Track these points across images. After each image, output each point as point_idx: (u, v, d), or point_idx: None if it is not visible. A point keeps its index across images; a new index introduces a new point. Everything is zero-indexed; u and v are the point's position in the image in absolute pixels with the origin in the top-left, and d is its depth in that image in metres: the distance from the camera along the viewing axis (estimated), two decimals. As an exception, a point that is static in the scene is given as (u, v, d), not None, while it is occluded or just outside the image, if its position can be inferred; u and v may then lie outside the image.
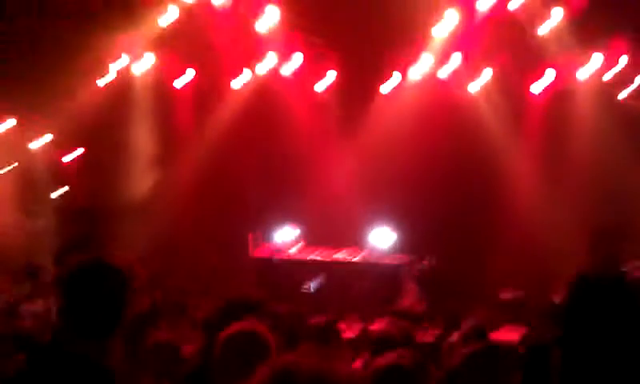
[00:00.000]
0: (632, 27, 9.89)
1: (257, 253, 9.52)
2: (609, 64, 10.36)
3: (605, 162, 10.09)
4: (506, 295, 5.56)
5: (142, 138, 11.02)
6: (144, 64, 10.77)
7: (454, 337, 5.20)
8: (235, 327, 2.58)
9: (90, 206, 10.07)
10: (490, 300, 8.32)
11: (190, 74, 10.96)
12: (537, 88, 10.73)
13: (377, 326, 4.42)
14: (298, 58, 10.82)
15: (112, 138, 10.77)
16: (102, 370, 2.13)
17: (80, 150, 10.99)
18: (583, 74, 10.44)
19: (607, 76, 10.38)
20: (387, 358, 3.10)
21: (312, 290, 5.52)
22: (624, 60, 10.24)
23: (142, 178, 10.79)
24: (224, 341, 2.52)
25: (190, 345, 4.38)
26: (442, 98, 10.70)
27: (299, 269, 8.85)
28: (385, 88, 10.96)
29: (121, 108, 10.94)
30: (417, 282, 9.20)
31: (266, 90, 11.03)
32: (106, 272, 2.26)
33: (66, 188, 10.93)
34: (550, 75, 10.56)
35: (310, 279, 5.57)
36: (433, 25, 10.28)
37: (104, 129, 10.61)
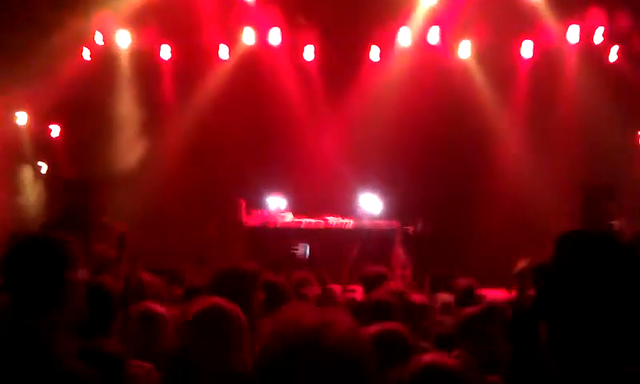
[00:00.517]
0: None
1: (248, 221, 9.52)
2: (594, 28, 10.42)
3: (592, 124, 10.17)
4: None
5: (128, 110, 10.94)
6: (124, 38, 10.66)
7: (442, 298, 5.26)
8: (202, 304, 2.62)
9: (78, 179, 9.99)
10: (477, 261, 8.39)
11: (171, 46, 10.89)
12: (526, 50, 10.76)
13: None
14: (280, 30, 10.76)
15: (97, 111, 10.68)
16: (40, 348, 2.12)
17: (64, 124, 10.91)
18: (572, 35, 10.48)
19: (597, 38, 10.43)
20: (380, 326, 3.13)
21: (303, 252, 5.53)
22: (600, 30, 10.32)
23: (129, 150, 10.73)
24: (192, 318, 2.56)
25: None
26: (430, 64, 10.69)
27: (291, 235, 8.87)
28: (374, 54, 10.93)
29: (104, 82, 10.84)
30: (405, 247, 9.28)
31: (252, 60, 10.96)
32: (42, 249, 2.27)
33: (53, 161, 10.85)
34: (538, 37, 10.60)
35: (301, 243, 5.57)
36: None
37: (87, 102, 10.52)
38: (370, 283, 5.11)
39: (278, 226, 9.48)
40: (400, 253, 8.84)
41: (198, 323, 2.57)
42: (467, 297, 5.11)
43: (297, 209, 10.01)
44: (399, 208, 9.97)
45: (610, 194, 6.74)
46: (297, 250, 5.59)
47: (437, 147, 10.61)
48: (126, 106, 10.96)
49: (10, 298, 2.23)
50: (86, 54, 10.68)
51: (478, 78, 10.88)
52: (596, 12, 10.22)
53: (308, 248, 5.54)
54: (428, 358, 2.43)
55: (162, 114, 11.18)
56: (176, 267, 6.74)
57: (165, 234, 10.18)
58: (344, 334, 1.40)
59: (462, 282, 5.51)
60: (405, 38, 10.74)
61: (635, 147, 10.81)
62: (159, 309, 3.47)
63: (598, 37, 10.42)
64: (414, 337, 3.32)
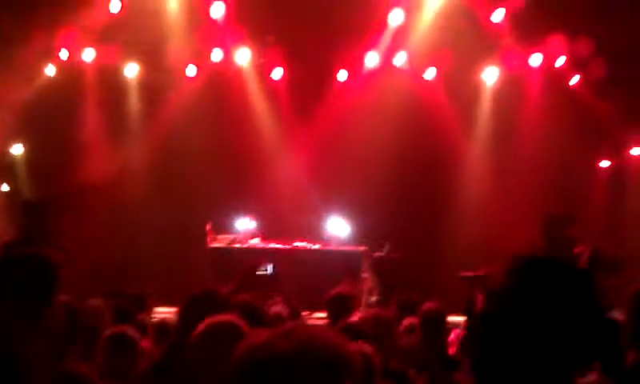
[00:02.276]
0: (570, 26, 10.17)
1: (214, 243, 9.42)
2: (556, 55, 10.66)
3: (554, 149, 10.37)
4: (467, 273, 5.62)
5: (92, 129, 10.75)
6: (90, 55, 10.53)
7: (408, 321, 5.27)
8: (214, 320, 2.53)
9: (38, 199, 9.76)
10: (444, 286, 8.43)
11: (137, 64, 10.79)
12: (489, 76, 10.95)
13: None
14: (248, 50, 10.75)
15: (60, 129, 10.47)
16: None
17: (27, 142, 10.68)
18: (535, 60, 10.70)
19: (558, 63, 10.66)
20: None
21: (269, 272, 5.48)
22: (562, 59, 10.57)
23: (93, 169, 10.51)
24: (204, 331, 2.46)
25: (146, 339, 4.29)
26: (397, 87, 10.79)
27: (258, 258, 8.80)
28: (341, 76, 11.00)
29: (68, 99, 10.65)
30: (372, 271, 9.28)
31: (220, 79, 10.91)
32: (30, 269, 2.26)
33: (15, 182, 10.60)
34: (501, 62, 10.79)
35: (267, 263, 5.53)
36: (388, 13, 10.37)
37: (51, 120, 10.31)
38: (336, 307, 5.05)
39: (244, 247, 9.40)
40: (367, 278, 8.84)
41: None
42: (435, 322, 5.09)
43: (265, 232, 9.95)
44: (367, 232, 9.98)
45: (571, 221, 6.85)
46: (263, 270, 5.53)
47: (404, 170, 10.67)
48: (91, 125, 10.78)
49: None
50: (51, 70, 10.52)
51: (444, 102, 11.01)
52: (557, 39, 10.46)
53: (272, 268, 5.49)
54: None
55: (127, 132, 11.03)
56: (140, 291, 6.63)
57: (129, 256, 10.00)
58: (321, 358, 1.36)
59: (428, 305, 5.49)
60: (372, 60, 10.83)
61: (596, 173, 11.05)
62: (131, 332, 3.44)
63: (560, 62, 10.67)
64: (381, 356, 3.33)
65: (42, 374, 2.15)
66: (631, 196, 10.75)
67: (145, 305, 6.06)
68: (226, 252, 9.19)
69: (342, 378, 1.36)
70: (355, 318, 4.38)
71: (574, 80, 10.78)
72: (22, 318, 2.20)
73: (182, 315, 2.93)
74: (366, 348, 3.19)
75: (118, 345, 3.27)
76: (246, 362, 1.37)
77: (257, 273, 5.62)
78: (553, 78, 10.79)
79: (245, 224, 9.89)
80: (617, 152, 11.04)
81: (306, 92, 10.88)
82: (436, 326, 4.91)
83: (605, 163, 11.26)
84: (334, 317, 4.92)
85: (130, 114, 11.06)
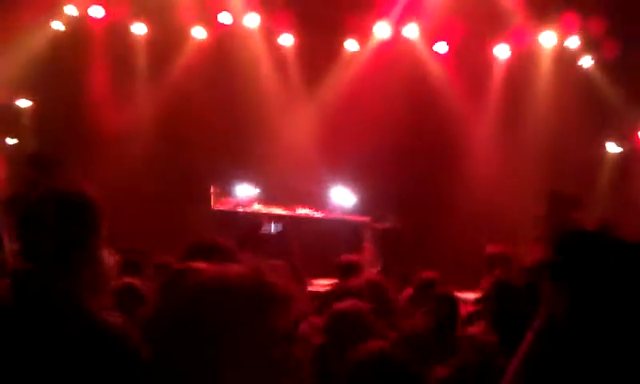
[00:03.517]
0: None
1: (218, 206, 9.43)
2: (568, 33, 10.54)
3: (561, 130, 10.31)
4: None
5: (99, 85, 10.68)
6: (98, 12, 10.43)
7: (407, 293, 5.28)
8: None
9: (44, 153, 9.73)
10: (445, 260, 8.45)
11: (145, 23, 10.70)
12: (501, 52, 10.86)
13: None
14: (256, 15, 10.64)
15: (67, 84, 10.41)
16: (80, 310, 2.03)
17: (33, 97, 10.62)
18: (547, 39, 10.59)
19: (571, 43, 10.55)
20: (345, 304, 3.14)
21: (271, 229, 5.49)
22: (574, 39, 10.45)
23: (97, 127, 10.46)
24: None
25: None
26: (406, 58, 10.70)
27: (261, 221, 8.80)
28: (351, 44, 10.90)
29: (75, 55, 10.58)
30: (375, 242, 9.29)
31: (228, 42, 10.81)
32: (61, 200, 2.13)
33: (21, 136, 10.57)
34: (513, 39, 10.69)
35: (271, 224, 5.53)
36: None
37: (57, 75, 10.24)
38: (344, 272, 5.08)
39: (248, 211, 9.41)
40: (369, 248, 8.86)
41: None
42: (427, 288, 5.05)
43: (267, 198, 9.94)
44: (371, 203, 9.98)
45: (576, 202, 6.81)
46: (267, 228, 5.52)
47: (410, 143, 10.64)
48: (98, 81, 10.71)
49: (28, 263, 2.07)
50: (58, 25, 10.42)
51: (454, 76, 10.93)
52: (571, 17, 10.34)
53: (277, 226, 5.48)
54: (382, 344, 2.40)
55: (134, 91, 10.96)
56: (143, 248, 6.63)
57: (132, 215, 10.00)
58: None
59: (425, 274, 5.45)
60: (382, 30, 10.73)
61: (602, 157, 11.00)
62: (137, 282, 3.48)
63: (573, 42, 10.56)
64: (381, 326, 3.33)
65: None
66: (637, 181, 10.72)
67: (146, 262, 6.06)
68: (230, 215, 9.20)
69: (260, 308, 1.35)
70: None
71: (585, 61, 10.69)
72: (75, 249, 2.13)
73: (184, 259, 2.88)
74: (360, 304, 3.21)
75: (126, 296, 3.29)
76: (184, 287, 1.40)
77: (261, 232, 5.61)
78: (564, 57, 10.70)
79: (248, 190, 9.89)
80: (625, 136, 10.99)
81: (315, 59, 10.79)
82: (426, 293, 4.87)
83: (612, 147, 11.21)
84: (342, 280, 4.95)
85: (137, 73, 10.98)
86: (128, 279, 3.53)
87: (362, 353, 2.36)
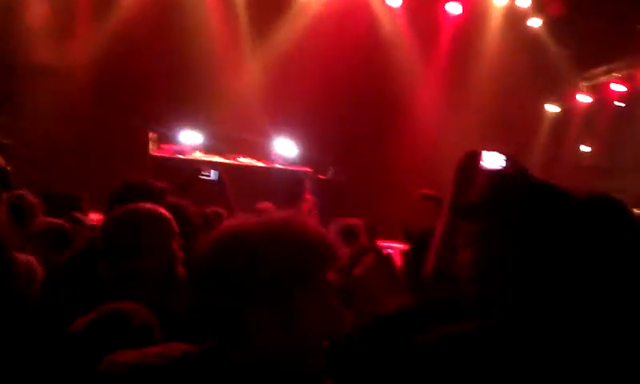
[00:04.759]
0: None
1: (157, 151, 9.19)
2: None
3: (506, 87, 10.47)
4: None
5: (37, 18, 10.09)
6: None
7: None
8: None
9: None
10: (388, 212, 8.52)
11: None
12: (452, 7, 10.86)
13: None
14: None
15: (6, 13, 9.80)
16: None
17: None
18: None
19: (521, 1, 10.62)
20: None
21: (211, 176, 5.35)
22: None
23: (33, 57, 9.89)
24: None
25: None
26: (357, 11, 10.58)
27: (200, 168, 8.62)
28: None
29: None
30: (315, 193, 9.28)
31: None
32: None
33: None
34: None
35: (211, 169, 5.39)
36: None
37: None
38: None
39: (187, 158, 9.22)
40: (309, 198, 8.84)
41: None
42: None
43: (209, 147, 9.77)
44: (313, 155, 9.94)
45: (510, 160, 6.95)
46: (206, 174, 5.38)
47: (356, 96, 10.60)
48: (37, 13, 10.11)
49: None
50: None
51: (404, 31, 10.88)
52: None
53: (217, 173, 5.34)
54: None
55: (74, 27, 10.44)
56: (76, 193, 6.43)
57: (66, 157, 9.67)
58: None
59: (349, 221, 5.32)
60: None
61: (542, 115, 11.25)
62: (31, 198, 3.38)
63: (524, 1, 10.62)
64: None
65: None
66: (572, 142, 11.03)
67: (80, 206, 5.87)
68: (169, 161, 8.99)
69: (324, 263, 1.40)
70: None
71: (534, 21, 10.80)
72: None
73: (111, 200, 2.77)
74: None
75: (49, 235, 3.18)
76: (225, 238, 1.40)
77: (199, 177, 5.46)
78: (513, 16, 10.78)
79: (189, 137, 9.68)
80: (564, 97, 11.24)
81: (264, 9, 10.55)
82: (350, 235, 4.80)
83: (552, 107, 11.46)
84: None
85: (80, 8, 10.45)
86: (56, 221, 3.41)
87: None
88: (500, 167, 2.51)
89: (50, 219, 3.78)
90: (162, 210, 2.28)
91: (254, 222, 1.41)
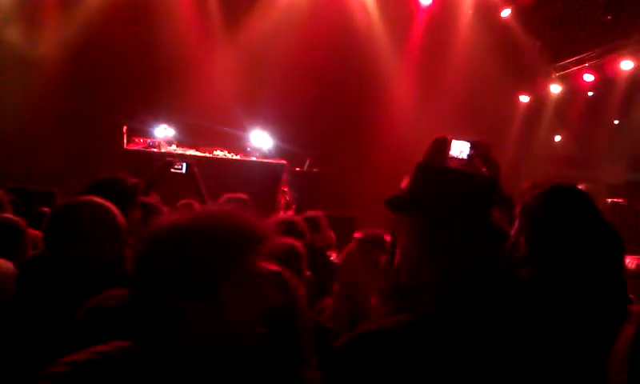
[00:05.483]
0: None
1: (131, 145, 9.08)
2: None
3: (478, 78, 10.54)
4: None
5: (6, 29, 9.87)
6: None
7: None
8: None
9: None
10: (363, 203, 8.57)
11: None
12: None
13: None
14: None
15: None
16: None
17: None
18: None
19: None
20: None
21: (183, 170, 5.29)
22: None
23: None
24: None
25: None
26: (330, 1, 10.55)
27: (173, 161, 8.54)
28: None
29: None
30: (292, 185, 9.27)
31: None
32: None
33: None
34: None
35: (182, 162, 5.33)
36: None
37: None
38: None
39: (161, 152, 9.13)
40: (286, 191, 8.83)
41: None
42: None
43: (183, 140, 9.70)
44: (289, 147, 9.92)
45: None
46: (177, 167, 5.31)
47: (330, 87, 10.59)
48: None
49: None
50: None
51: (376, 19, 10.90)
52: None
53: (186, 166, 5.28)
54: None
55: (45, 17, 10.24)
56: (48, 188, 6.34)
57: (37, 151, 9.51)
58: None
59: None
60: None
61: (514, 105, 11.36)
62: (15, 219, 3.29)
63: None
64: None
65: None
66: (544, 131, 11.15)
67: (52, 202, 5.79)
68: (143, 155, 8.89)
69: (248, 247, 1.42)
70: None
71: (505, 12, 10.89)
72: None
73: (84, 195, 2.72)
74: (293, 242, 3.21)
75: (4, 231, 3.12)
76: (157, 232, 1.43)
77: (171, 170, 5.39)
78: (485, 7, 10.85)
79: (162, 131, 9.59)
80: (535, 87, 11.36)
81: (236, 0, 10.48)
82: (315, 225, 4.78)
83: (523, 97, 11.58)
84: None
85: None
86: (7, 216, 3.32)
87: None
88: (466, 155, 2.54)
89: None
90: (108, 205, 2.29)
91: (177, 218, 1.44)
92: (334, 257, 4.84)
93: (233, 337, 1.39)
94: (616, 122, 11.52)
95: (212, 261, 1.38)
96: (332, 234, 5.53)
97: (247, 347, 1.41)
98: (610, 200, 10.06)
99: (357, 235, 4.63)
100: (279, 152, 9.80)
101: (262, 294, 1.44)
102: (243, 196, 4.83)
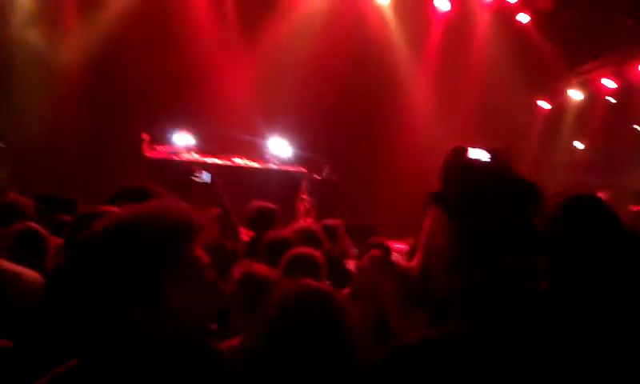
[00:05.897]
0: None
1: (151, 153, 9.16)
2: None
3: (496, 83, 10.49)
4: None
5: (23, 26, 10.04)
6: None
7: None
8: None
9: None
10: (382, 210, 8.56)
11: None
12: (441, 3, 10.89)
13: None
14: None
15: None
16: None
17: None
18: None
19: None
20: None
21: (204, 178, 5.32)
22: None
23: (26, 63, 9.81)
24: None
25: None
26: (347, 8, 10.57)
27: (193, 170, 8.60)
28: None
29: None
30: (311, 193, 9.28)
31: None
32: None
33: None
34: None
35: (203, 171, 5.36)
36: None
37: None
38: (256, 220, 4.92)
39: (183, 160, 9.20)
40: (305, 199, 8.85)
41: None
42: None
43: (203, 148, 9.76)
44: (307, 154, 9.94)
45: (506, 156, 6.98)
46: (198, 176, 5.34)
47: (349, 94, 10.60)
48: (23, 21, 10.05)
49: None
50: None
51: (394, 26, 10.90)
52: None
53: (210, 176, 5.30)
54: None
55: (66, 26, 10.37)
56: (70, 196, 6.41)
57: (59, 159, 9.62)
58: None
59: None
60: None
61: (534, 112, 11.27)
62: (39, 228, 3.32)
63: (512, -1, 10.67)
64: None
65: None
66: (565, 138, 11.05)
67: (74, 208, 5.85)
68: (163, 162, 8.97)
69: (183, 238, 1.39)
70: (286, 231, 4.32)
71: (523, 18, 10.84)
72: None
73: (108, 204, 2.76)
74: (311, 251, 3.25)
75: (26, 239, 3.16)
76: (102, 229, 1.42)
77: (193, 179, 5.44)
78: (502, 13, 10.81)
79: (183, 138, 9.66)
80: (555, 93, 11.27)
81: (253, 8, 10.53)
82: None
83: (543, 103, 11.49)
84: (254, 229, 4.87)
85: (69, 6, 10.37)
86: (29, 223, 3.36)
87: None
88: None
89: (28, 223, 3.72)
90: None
91: (104, 224, 1.43)
92: (351, 265, 4.84)
93: (182, 335, 1.36)
94: (638, 127, 11.38)
95: (147, 258, 1.34)
96: (349, 243, 5.54)
97: (198, 344, 1.38)
98: (634, 207, 9.94)
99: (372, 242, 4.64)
100: (297, 159, 9.83)
101: (208, 288, 1.39)
102: (271, 205, 4.87)
